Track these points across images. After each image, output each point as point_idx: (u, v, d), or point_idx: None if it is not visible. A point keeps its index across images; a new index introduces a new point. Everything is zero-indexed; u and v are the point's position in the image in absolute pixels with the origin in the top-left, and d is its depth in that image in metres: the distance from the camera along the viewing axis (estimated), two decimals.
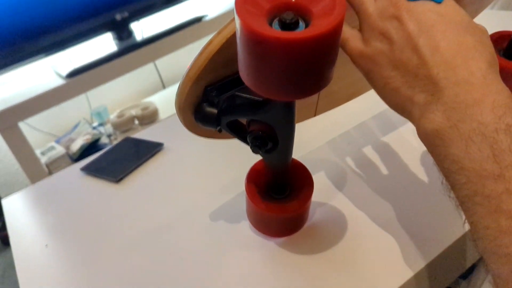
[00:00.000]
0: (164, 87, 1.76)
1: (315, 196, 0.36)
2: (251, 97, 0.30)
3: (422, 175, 0.41)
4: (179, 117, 0.32)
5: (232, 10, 0.23)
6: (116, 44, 1.36)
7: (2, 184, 1.47)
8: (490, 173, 0.21)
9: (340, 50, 0.26)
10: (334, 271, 0.33)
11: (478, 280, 0.58)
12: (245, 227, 0.40)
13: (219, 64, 0.28)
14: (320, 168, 0.45)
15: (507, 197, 0.20)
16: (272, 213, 0.35)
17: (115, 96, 1.62)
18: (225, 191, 0.46)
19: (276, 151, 0.31)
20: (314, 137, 0.51)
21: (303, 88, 0.24)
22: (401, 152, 0.45)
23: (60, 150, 1.30)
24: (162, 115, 1.45)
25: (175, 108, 0.31)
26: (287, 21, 0.22)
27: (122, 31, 1.36)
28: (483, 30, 0.25)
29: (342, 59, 0.26)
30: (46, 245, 0.46)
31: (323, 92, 0.46)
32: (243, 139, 0.32)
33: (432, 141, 0.24)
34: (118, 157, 0.60)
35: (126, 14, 1.32)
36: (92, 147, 1.32)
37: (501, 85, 0.23)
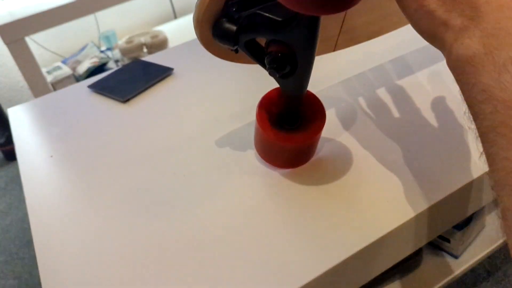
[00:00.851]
0: (175, 17, 1.71)
1: (324, 132, 0.36)
2: (273, 17, 0.28)
3: (433, 121, 0.40)
4: (195, 32, 0.30)
5: None
6: None
7: (7, 100, 1.47)
8: None
9: None
10: (336, 205, 0.33)
11: (473, 232, 0.59)
12: (251, 156, 0.40)
13: None
14: (331, 105, 0.45)
15: None
16: (280, 142, 0.34)
17: (125, 21, 1.58)
18: (235, 119, 0.45)
19: (293, 77, 0.30)
20: (329, 75, 0.50)
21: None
22: (415, 96, 0.44)
23: (66, 70, 1.29)
24: (172, 45, 1.42)
25: (193, 21, 0.30)
26: None
27: None
28: None
29: None
30: (51, 155, 0.47)
31: (345, 26, 0.44)
32: (261, 61, 0.31)
33: (462, 68, 0.22)
34: (126, 77, 0.59)
35: None
36: (99, 70, 1.30)
37: None
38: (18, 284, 1.05)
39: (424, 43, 0.25)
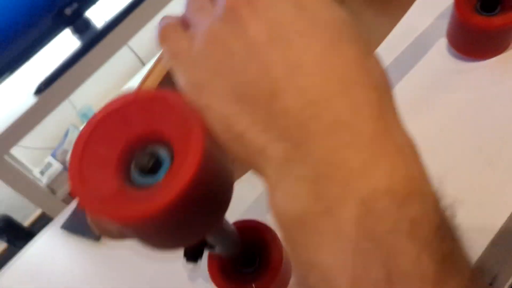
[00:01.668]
0: (143, 64, 1.67)
1: None
2: None
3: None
4: None
5: None
6: (78, 39, 1.27)
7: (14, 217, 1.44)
8: None
9: None
10: None
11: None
12: None
13: None
14: None
15: None
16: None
17: (97, 90, 1.55)
18: None
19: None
20: None
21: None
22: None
23: (57, 166, 1.27)
24: None
25: None
26: (145, 167, 0.16)
27: (78, 24, 1.25)
28: (365, 38, 0.15)
29: None
30: None
31: None
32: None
33: (288, 226, 0.14)
34: None
35: (75, 5, 1.20)
36: None
37: (400, 131, 0.14)
38: None
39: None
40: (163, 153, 0.16)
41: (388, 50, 0.48)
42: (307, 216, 0.13)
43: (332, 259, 0.13)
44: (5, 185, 1.08)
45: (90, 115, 1.42)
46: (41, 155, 1.43)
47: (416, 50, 0.49)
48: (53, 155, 1.36)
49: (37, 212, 1.51)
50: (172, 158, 0.16)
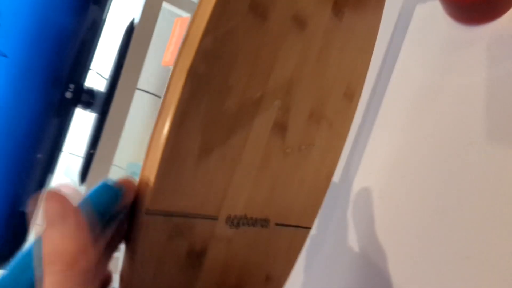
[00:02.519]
0: (160, 97, 1.62)
1: None
2: None
3: None
4: None
5: None
6: (91, 111, 1.23)
7: None
8: None
9: None
10: None
11: None
12: None
13: None
14: None
15: None
16: None
17: (132, 143, 1.53)
18: None
19: None
20: None
21: None
22: None
23: None
24: None
25: None
26: None
27: (84, 100, 1.21)
28: None
29: None
30: None
31: None
32: None
33: None
34: None
35: (72, 86, 1.16)
36: None
37: None
38: None
39: None
40: None
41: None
42: None
43: None
44: None
45: (139, 170, 1.40)
46: None
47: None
48: None
49: None
50: None
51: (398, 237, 0.40)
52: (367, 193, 0.43)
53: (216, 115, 0.27)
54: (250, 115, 0.29)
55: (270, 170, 0.33)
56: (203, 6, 0.24)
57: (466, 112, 0.38)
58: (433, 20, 0.43)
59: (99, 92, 1.21)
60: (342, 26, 0.36)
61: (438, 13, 0.43)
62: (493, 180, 0.35)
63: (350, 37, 0.38)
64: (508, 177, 0.35)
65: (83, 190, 1.11)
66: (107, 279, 0.26)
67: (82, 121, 1.21)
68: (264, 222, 0.35)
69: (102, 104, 1.18)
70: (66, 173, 1.24)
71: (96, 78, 1.23)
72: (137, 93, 1.39)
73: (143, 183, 0.25)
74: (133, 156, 1.49)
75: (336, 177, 0.42)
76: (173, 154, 0.24)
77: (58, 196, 0.20)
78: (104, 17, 0.97)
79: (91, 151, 1.13)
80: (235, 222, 0.32)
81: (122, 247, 0.26)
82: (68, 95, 1.14)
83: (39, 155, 0.91)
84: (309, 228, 0.41)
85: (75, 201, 0.22)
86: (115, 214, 0.24)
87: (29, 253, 0.20)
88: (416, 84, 0.42)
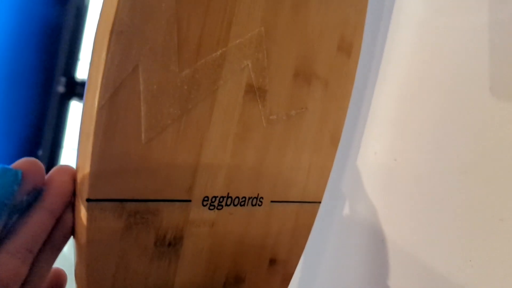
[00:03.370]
0: None
1: None
2: None
3: None
4: None
5: None
6: None
7: None
8: None
9: None
10: None
11: None
12: None
13: None
14: None
15: None
16: None
17: None
18: None
19: None
20: None
21: None
22: None
23: None
24: None
25: None
26: None
27: (77, 92, 1.18)
28: None
29: None
30: None
31: None
32: None
33: None
34: None
35: (63, 80, 1.13)
36: None
37: None
38: None
39: None
40: None
41: None
42: None
43: None
44: None
45: None
46: None
47: None
48: None
49: None
50: None
51: (416, 203, 0.35)
52: (378, 156, 0.38)
53: (162, 83, 0.23)
54: (210, 80, 0.25)
55: (252, 141, 0.30)
56: None
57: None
58: None
59: None
60: None
61: None
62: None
63: None
64: None
65: None
66: (58, 282, 0.24)
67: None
68: (255, 200, 0.31)
69: None
70: None
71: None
72: None
73: (79, 168, 0.22)
74: None
75: (342, 142, 0.37)
76: (109, 132, 0.21)
77: None
78: (86, 3, 0.96)
79: None
80: (215, 203, 0.28)
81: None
82: (61, 89, 1.14)
83: (39, 152, 0.92)
84: (317, 202, 0.37)
85: None
86: (22, 204, 0.20)
87: None
88: (416, 24, 0.37)
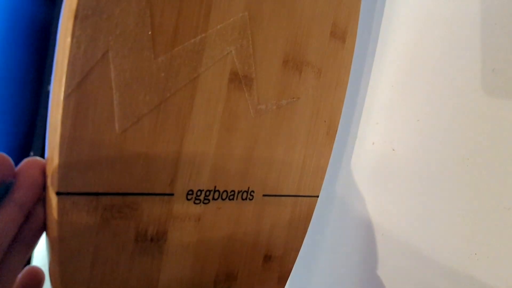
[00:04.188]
0: None
1: None
2: None
3: None
4: None
5: None
6: None
7: None
8: None
9: None
10: None
11: None
12: None
13: None
14: None
15: None
16: None
17: None
18: None
19: None
20: None
21: None
22: None
23: None
24: None
25: None
26: None
27: None
28: None
29: None
30: None
31: None
32: None
33: None
34: None
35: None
36: None
37: None
38: None
39: None
40: None
41: None
42: None
43: None
44: None
45: None
46: None
47: None
48: None
49: None
50: None
51: (416, 194, 0.33)
52: (376, 146, 0.36)
53: (135, 70, 0.22)
54: (189, 67, 0.24)
55: (240, 132, 0.28)
56: None
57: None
58: None
59: None
60: None
61: None
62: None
63: None
64: None
65: None
66: (34, 281, 0.23)
67: None
68: (245, 194, 0.30)
69: None
70: None
71: None
72: None
73: (49, 159, 0.21)
74: None
75: (338, 132, 0.35)
76: (78, 121, 0.20)
77: None
78: None
79: None
80: (200, 197, 0.27)
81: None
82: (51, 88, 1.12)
83: (31, 153, 0.91)
84: (314, 196, 0.35)
85: None
86: None
87: None
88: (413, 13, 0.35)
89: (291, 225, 0.34)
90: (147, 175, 0.24)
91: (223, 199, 0.28)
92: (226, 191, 0.28)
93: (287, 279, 0.35)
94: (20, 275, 0.22)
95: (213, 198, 0.28)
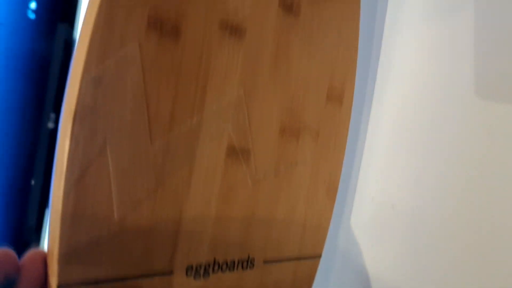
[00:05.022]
0: None
1: None
2: None
3: None
4: None
5: None
6: None
7: None
8: None
9: None
10: None
11: None
12: None
13: None
14: None
15: None
16: None
17: None
18: None
19: None
20: None
21: None
22: None
23: None
24: None
25: None
26: None
27: None
28: None
29: None
30: None
31: None
32: None
33: None
34: None
35: (53, 116, 1.08)
36: None
37: None
38: None
39: None
40: None
41: None
42: None
43: None
44: None
45: None
46: None
47: None
48: None
49: None
50: None
51: (416, 253, 0.33)
52: (375, 202, 0.36)
53: (133, 159, 0.23)
54: (186, 149, 0.25)
55: (238, 202, 0.29)
56: (83, 32, 0.21)
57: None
58: None
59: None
60: (301, 22, 0.31)
61: None
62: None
63: (317, 30, 0.32)
64: None
65: None
66: None
67: None
68: (246, 263, 0.30)
69: None
70: None
71: None
72: None
73: (49, 252, 0.21)
74: None
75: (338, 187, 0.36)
76: (78, 216, 0.21)
77: None
78: (75, 36, 0.95)
79: None
80: (200, 271, 0.27)
81: None
82: (51, 125, 1.13)
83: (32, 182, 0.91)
84: (316, 257, 0.36)
85: None
86: None
87: None
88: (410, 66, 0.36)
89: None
90: (146, 256, 0.24)
91: (223, 271, 0.29)
92: (226, 262, 0.29)
93: None
94: None
95: (213, 271, 0.28)
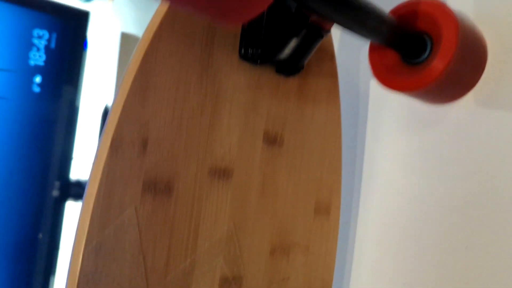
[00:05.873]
0: None
1: None
2: None
3: None
4: None
5: None
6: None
7: None
8: None
9: None
10: None
11: None
12: None
13: None
14: None
15: None
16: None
17: None
18: None
19: None
20: None
21: None
22: None
23: None
24: None
25: None
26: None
27: (73, 193, 1.14)
28: None
29: None
30: None
31: None
32: None
33: None
34: None
35: (57, 183, 1.09)
36: None
37: None
38: None
39: None
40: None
41: None
42: None
43: None
44: None
45: None
46: None
47: None
48: None
49: None
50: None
51: None
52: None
53: None
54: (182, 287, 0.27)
55: None
56: (85, 204, 0.24)
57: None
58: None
59: (85, 181, 1.18)
60: (285, 150, 0.34)
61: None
62: None
63: (301, 155, 0.35)
64: None
65: None
66: None
67: None
68: None
69: None
70: None
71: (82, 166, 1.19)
72: None
73: None
74: None
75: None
76: None
77: None
78: (77, 103, 0.94)
79: None
80: None
81: None
82: (55, 193, 1.11)
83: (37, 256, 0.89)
84: None
85: None
86: None
87: None
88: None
89: None
90: None
91: None
92: None
93: None
94: None
95: None
